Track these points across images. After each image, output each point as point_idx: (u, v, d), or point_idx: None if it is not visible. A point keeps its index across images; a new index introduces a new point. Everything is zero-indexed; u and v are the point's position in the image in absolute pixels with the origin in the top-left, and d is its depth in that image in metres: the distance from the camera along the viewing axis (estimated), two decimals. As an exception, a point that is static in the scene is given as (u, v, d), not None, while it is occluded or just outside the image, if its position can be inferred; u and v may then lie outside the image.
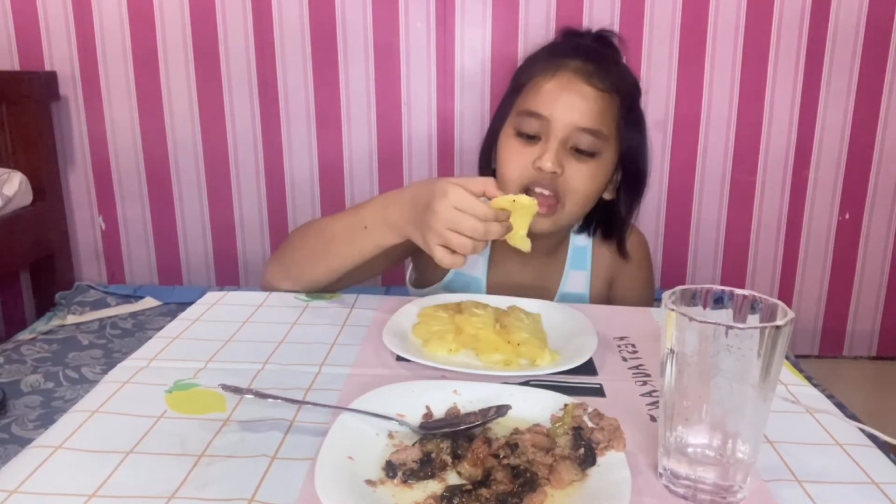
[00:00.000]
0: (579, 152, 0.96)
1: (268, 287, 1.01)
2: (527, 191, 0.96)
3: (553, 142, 0.95)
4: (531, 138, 0.97)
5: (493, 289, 1.08)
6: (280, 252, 1.02)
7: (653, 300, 1.22)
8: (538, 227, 0.94)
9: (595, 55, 1.00)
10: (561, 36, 1.07)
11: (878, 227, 1.99)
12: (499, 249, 1.08)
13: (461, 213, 0.77)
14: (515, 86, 1.03)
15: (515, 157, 0.97)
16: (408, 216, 0.84)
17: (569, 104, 0.95)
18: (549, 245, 1.09)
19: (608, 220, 1.10)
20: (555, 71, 0.97)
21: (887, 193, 1.96)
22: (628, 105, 1.00)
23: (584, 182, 0.97)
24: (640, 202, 1.08)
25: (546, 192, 0.96)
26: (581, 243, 1.13)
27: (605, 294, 1.15)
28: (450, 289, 1.09)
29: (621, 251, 1.11)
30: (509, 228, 0.81)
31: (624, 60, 1.05)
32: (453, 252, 0.79)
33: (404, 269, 1.23)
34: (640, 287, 1.17)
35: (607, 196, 1.06)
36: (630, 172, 1.05)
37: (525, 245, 0.82)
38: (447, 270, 1.08)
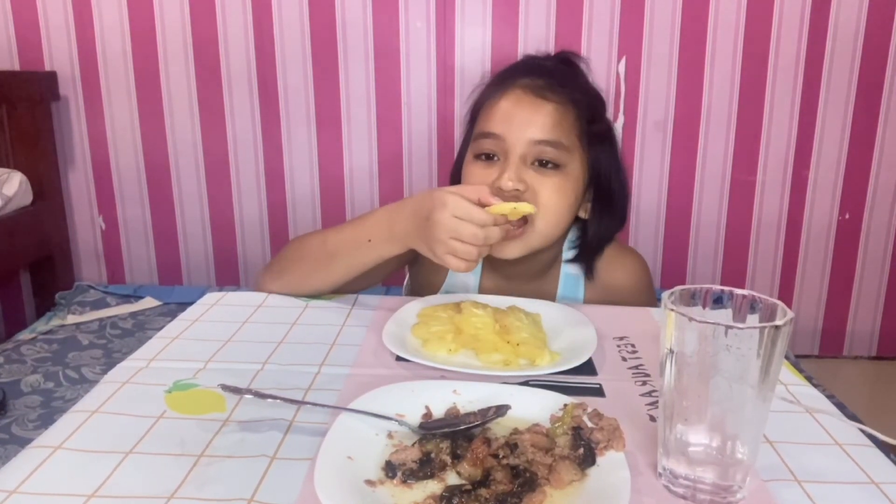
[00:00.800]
0: (542, 165, 0.93)
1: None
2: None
3: (511, 159, 0.92)
4: (490, 158, 0.95)
5: (485, 284, 1.09)
6: (277, 263, 1.00)
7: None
8: (508, 253, 0.93)
9: (546, 71, 0.98)
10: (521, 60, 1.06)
11: (878, 227, 1.99)
12: (486, 276, 1.07)
13: (461, 221, 0.78)
14: (473, 113, 1.01)
15: (475, 181, 0.94)
16: (412, 229, 0.84)
17: (522, 119, 0.93)
18: (539, 270, 1.05)
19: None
20: (505, 90, 0.95)
21: (887, 193, 1.96)
22: (589, 117, 0.97)
23: (550, 195, 0.92)
24: (619, 226, 1.03)
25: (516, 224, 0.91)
26: (572, 271, 1.07)
27: None
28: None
29: (588, 272, 1.06)
30: (507, 232, 0.81)
31: (590, 79, 1.03)
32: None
33: (404, 272, 1.23)
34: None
35: (583, 214, 1.02)
36: (601, 190, 1.00)
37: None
38: (441, 284, 1.08)
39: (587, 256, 1.05)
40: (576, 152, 0.95)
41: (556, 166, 0.93)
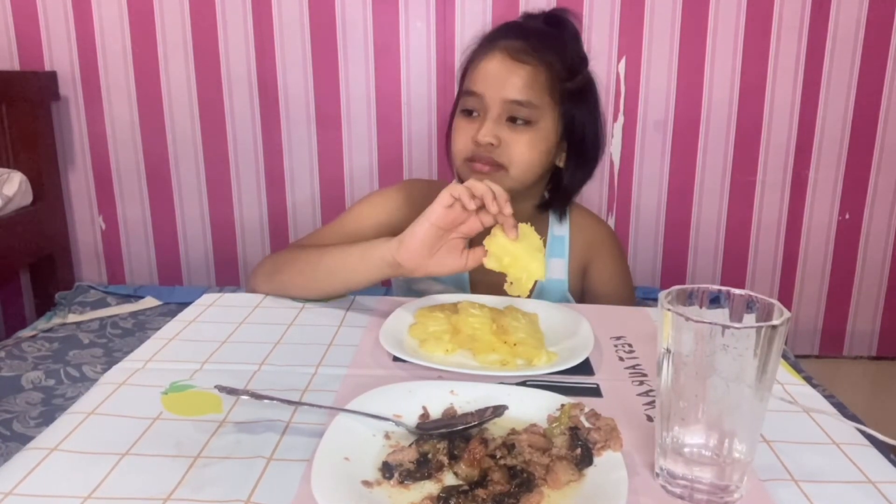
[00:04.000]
0: (514, 122, 1.03)
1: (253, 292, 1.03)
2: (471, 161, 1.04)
3: (488, 116, 1.02)
4: (471, 114, 1.05)
5: (475, 276, 1.11)
6: (271, 270, 1.02)
7: (631, 297, 1.22)
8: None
9: (529, 33, 1.05)
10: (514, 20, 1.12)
11: (878, 227, 1.99)
12: (477, 239, 1.08)
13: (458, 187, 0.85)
14: (463, 71, 1.10)
15: (460, 133, 1.06)
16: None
17: (499, 80, 1.02)
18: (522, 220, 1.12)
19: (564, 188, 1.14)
20: (488, 51, 1.05)
21: (887, 193, 1.96)
22: (564, 76, 1.05)
23: (521, 150, 1.03)
24: (590, 174, 1.13)
25: (486, 169, 1.03)
26: (559, 233, 1.17)
27: (581, 283, 1.19)
28: (435, 279, 1.11)
29: (560, 213, 1.17)
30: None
31: (581, 37, 1.10)
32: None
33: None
34: (612, 279, 1.19)
35: (559, 163, 1.11)
36: (575, 142, 1.09)
37: (523, 290, 0.83)
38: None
39: (560, 199, 1.15)
40: (547, 110, 1.04)
41: (528, 123, 1.03)
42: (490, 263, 0.83)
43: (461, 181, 1.06)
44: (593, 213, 1.24)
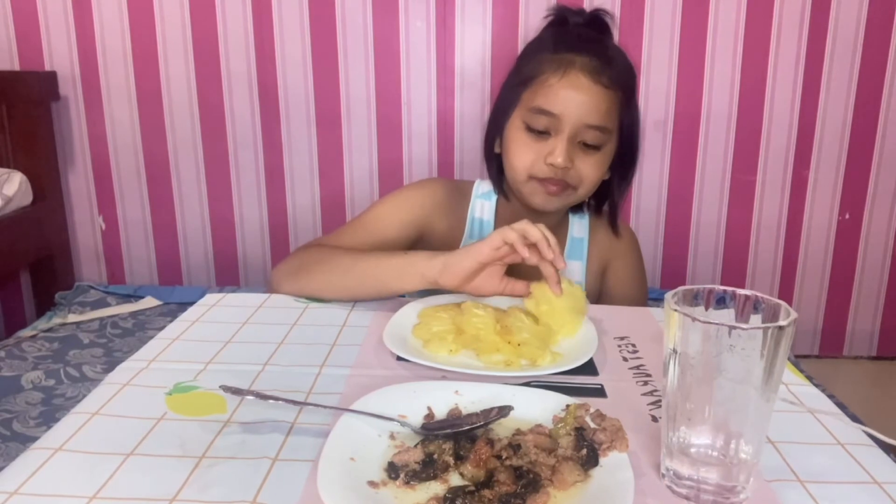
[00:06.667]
0: (586, 146, 1.02)
1: (274, 291, 1.02)
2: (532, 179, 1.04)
3: (563, 138, 1.00)
4: (541, 133, 1.02)
5: None
6: (297, 269, 1.01)
7: (645, 300, 1.23)
8: (549, 206, 1.05)
9: (599, 48, 1.03)
10: (556, 17, 1.09)
11: (878, 227, 1.99)
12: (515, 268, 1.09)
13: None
14: (523, 78, 1.05)
15: (526, 150, 1.03)
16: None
17: (578, 103, 0.99)
18: (557, 218, 1.14)
19: (602, 196, 1.15)
20: (565, 69, 1.00)
21: (887, 193, 1.96)
22: (629, 94, 1.05)
23: (590, 171, 1.03)
24: (632, 176, 1.13)
25: (556, 190, 1.03)
26: (578, 234, 1.17)
27: (598, 285, 1.19)
28: None
29: (613, 227, 1.17)
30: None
31: (615, 39, 1.09)
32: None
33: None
34: (629, 281, 1.20)
35: (605, 176, 1.10)
36: (624, 151, 1.09)
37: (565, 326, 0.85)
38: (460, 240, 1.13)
39: (612, 210, 1.15)
40: (614, 132, 1.05)
41: (598, 147, 1.03)
42: (529, 304, 0.86)
43: (517, 194, 1.08)
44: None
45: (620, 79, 1.02)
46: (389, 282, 0.93)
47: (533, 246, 0.84)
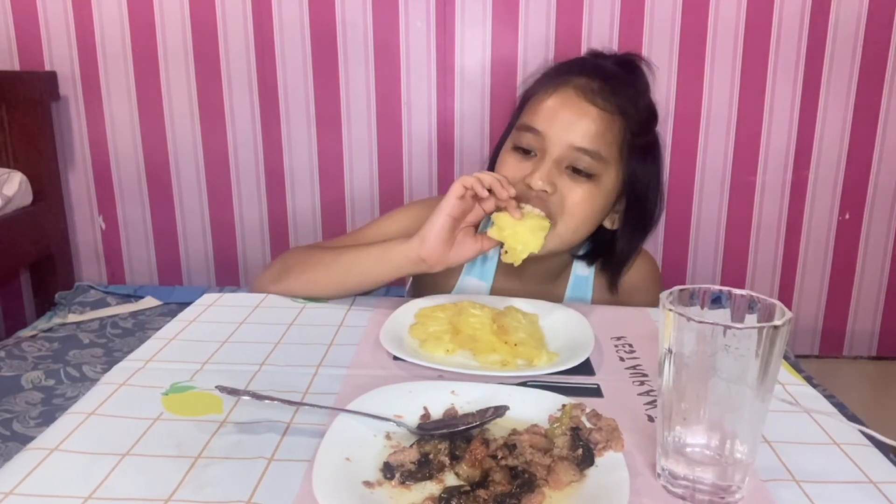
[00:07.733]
0: (576, 172, 0.92)
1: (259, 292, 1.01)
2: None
3: (547, 159, 0.91)
4: (527, 153, 0.94)
5: (497, 287, 1.08)
6: (280, 271, 1.00)
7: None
8: None
9: (605, 73, 0.95)
10: (584, 56, 1.03)
11: (878, 227, 1.99)
12: (500, 277, 1.07)
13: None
14: (521, 101, 1.01)
15: (508, 170, 0.94)
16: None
17: (566, 122, 0.91)
18: (550, 272, 1.06)
19: (610, 250, 1.04)
20: (557, 86, 0.94)
21: (887, 193, 1.96)
22: (636, 130, 0.95)
23: (577, 204, 0.92)
24: (644, 238, 1.02)
25: (536, 211, 0.91)
26: (582, 272, 1.08)
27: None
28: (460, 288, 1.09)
29: (613, 284, 1.05)
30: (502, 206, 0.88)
31: (650, 86, 0.99)
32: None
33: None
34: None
35: (608, 225, 1.01)
36: (634, 204, 0.99)
37: (516, 259, 0.88)
38: (454, 286, 1.08)
39: (613, 269, 1.04)
40: (613, 164, 0.94)
41: (590, 176, 0.92)
42: (493, 233, 0.88)
43: None
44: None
45: (625, 106, 0.93)
46: (372, 269, 0.92)
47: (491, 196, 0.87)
